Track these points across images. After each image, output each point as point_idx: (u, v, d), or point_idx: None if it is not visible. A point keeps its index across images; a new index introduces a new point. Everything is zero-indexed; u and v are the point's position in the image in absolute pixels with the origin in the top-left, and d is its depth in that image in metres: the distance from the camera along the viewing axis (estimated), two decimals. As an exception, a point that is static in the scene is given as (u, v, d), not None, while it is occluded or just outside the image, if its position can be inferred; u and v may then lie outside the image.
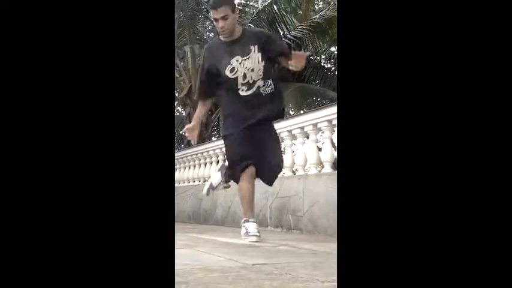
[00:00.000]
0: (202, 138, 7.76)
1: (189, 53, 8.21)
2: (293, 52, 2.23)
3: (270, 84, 2.26)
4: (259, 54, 2.21)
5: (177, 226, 4.12)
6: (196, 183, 5.33)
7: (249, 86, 2.23)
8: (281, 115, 2.49)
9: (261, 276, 1.13)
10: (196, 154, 5.45)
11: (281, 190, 3.50)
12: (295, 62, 2.11)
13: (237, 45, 2.22)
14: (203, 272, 1.21)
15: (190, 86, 8.09)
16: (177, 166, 6.05)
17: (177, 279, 1.07)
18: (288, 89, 8.04)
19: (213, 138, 8.70)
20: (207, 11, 8.72)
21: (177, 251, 1.81)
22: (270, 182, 2.44)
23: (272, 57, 2.28)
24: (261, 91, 2.24)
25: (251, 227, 2.27)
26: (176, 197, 5.48)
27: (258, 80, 2.23)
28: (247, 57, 2.21)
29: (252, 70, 2.21)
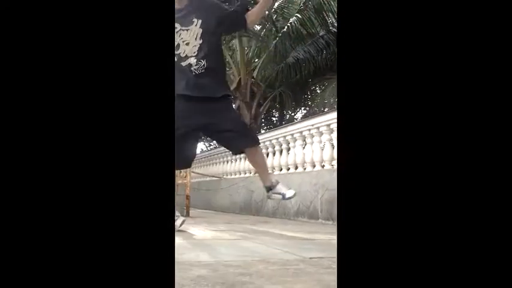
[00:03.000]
0: (252, 131, 7.87)
1: (237, 46, 8.31)
2: None
3: (203, 65, 2.04)
4: (200, 30, 2.02)
5: (230, 217, 4.26)
6: (247, 175, 5.43)
7: (180, 59, 2.05)
8: (222, 100, 2.16)
9: (319, 270, 1.18)
10: (247, 146, 5.55)
11: (331, 182, 3.49)
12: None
13: (181, 13, 2.04)
14: (263, 264, 1.27)
15: (240, 80, 8.21)
16: (228, 158, 6.19)
17: (239, 270, 1.15)
18: (331, 84, 7.94)
19: (262, 131, 8.79)
20: (254, 3, 8.75)
21: (235, 242, 1.91)
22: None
23: (228, 31, 2.17)
24: (192, 69, 2.03)
25: (281, 187, 2.26)
26: (228, 189, 5.64)
27: (191, 56, 2.04)
28: (186, 28, 2.03)
29: (187, 44, 2.04)
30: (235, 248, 1.69)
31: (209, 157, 7.13)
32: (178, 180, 4.58)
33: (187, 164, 2.26)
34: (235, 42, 8.40)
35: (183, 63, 2.04)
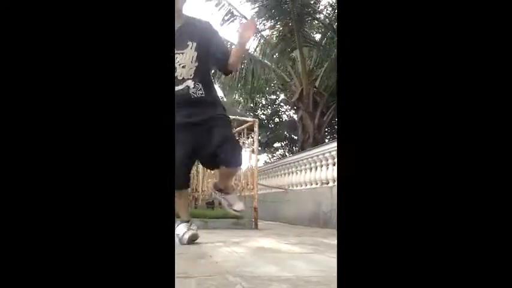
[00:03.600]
0: (316, 141, 7.76)
1: (298, 56, 8.30)
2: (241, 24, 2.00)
3: (201, 89, 2.06)
4: (195, 53, 2.04)
5: (299, 230, 4.19)
6: (314, 186, 5.34)
7: (177, 82, 2.05)
8: (219, 119, 2.14)
9: None
10: (312, 157, 5.48)
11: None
12: (243, 30, 1.93)
13: (176, 36, 2.02)
14: (344, 280, 1.21)
15: (302, 90, 8.17)
16: (293, 169, 6.15)
17: (320, 287, 1.10)
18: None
19: (326, 140, 8.65)
20: (314, 12, 8.72)
21: (309, 256, 1.85)
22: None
23: (209, 63, 2.09)
24: (191, 92, 2.04)
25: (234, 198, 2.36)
26: (294, 200, 5.58)
27: (188, 79, 2.05)
28: (182, 51, 2.04)
29: (184, 67, 2.05)
30: (310, 262, 1.64)
31: (273, 169, 7.14)
32: (245, 192, 4.62)
33: (185, 184, 2.22)
34: (296, 53, 8.41)
35: (181, 86, 2.05)
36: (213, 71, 2.31)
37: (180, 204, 2.27)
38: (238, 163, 2.19)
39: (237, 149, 2.17)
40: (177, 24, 2.07)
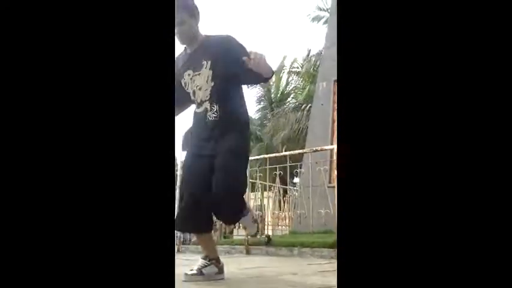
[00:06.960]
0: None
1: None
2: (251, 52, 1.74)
3: (216, 111, 1.89)
4: (210, 72, 1.90)
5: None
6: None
7: (198, 104, 1.95)
8: (239, 152, 1.88)
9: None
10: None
11: None
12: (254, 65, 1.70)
13: (193, 58, 1.95)
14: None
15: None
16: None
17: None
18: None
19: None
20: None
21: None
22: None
23: (230, 79, 1.89)
24: (208, 115, 1.90)
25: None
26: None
27: (205, 101, 1.92)
28: (198, 73, 1.93)
29: (200, 89, 1.94)
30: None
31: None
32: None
33: (208, 227, 1.99)
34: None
35: (200, 110, 1.95)
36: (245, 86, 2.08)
37: (203, 240, 1.97)
38: (237, 218, 1.94)
39: (237, 206, 1.87)
40: (194, 46, 1.98)
